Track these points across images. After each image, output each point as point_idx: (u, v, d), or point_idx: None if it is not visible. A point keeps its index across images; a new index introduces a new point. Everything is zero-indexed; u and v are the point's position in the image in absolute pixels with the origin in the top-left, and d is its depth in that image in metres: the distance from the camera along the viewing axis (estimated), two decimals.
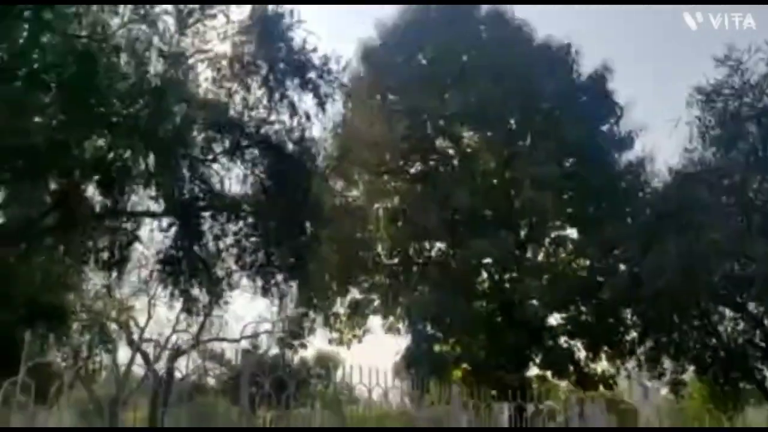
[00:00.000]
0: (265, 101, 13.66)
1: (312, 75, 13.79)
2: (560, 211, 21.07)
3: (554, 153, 20.43)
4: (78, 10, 11.52)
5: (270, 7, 14.02)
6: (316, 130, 14.33)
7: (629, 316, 19.87)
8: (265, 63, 13.65)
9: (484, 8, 22.69)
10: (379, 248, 22.87)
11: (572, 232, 21.80)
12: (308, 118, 13.65)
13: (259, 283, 13.91)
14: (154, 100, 11.19)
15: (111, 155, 12.11)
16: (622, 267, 19.33)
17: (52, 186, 12.56)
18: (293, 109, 13.63)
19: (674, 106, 16.63)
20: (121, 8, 12.68)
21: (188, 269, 12.83)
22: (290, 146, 13.68)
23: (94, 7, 12.05)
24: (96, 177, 12.02)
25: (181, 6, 13.23)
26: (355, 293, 22.79)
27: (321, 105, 13.80)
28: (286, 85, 13.71)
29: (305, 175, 13.44)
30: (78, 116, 11.12)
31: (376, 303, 22.57)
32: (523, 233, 21.38)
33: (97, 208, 12.65)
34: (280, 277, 13.99)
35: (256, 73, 13.77)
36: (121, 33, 12.53)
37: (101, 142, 12.72)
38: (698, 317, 18.26)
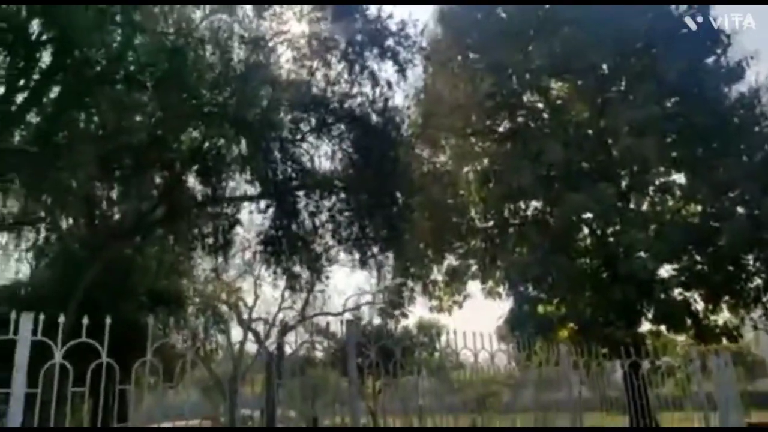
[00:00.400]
0: (346, 75, 13.73)
1: (390, 42, 13.67)
2: (664, 156, 19.63)
3: (653, 94, 18.97)
4: (163, 9, 12.02)
5: None
6: (398, 98, 14.30)
7: (751, 262, 18.42)
8: (343, 36, 13.68)
9: None
10: (473, 212, 22.51)
11: (679, 177, 20.32)
12: (389, 86, 13.59)
13: (357, 255, 14.18)
14: (240, 86, 11.53)
15: (206, 145, 12.67)
16: (740, 210, 17.90)
17: (157, 180, 13.34)
18: (374, 80, 13.61)
19: None
20: None
21: (288, 248, 13.28)
22: (374, 117, 13.70)
23: (179, 3, 12.54)
24: (195, 167, 12.62)
25: None
26: (451, 260, 22.63)
27: (402, 72, 13.69)
28: (365, 56, 13.69)
29: (391, 145, 13.43)
30: (173, 111, 11.69)
31: (474, 268, 22.31)
32: (624, 183, 20.20)
33: (199, 197, 13.32)
34: (375, 249, 14.20)
35: (335, 47, 13.84)
36: (204, 25, 12.98)
37: (196, 133, 13.34)
38: None
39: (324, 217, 13.86)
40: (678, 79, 18.70)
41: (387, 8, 13.62)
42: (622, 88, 20.64)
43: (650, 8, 19.89)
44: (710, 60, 19.97)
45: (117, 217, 14.29)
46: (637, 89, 19.29)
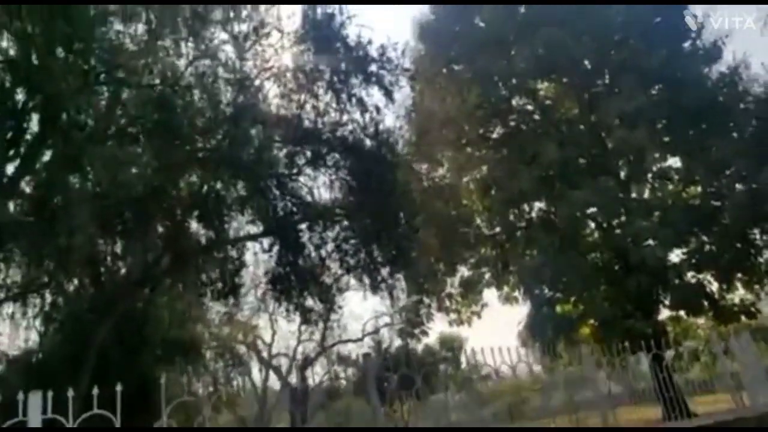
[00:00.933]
0: (334, 104, 13.86)
1: (373, 68, 13.81)
2: (657, 142, 19.69)
3: (638, 84, 19.11)
4: (147, 61, 12.18)
5: (319, 10, 14.16)
6: (389, 120, 14.37)
7: (758, 236, 18.34)
8: (327, 67, 13.83)
9: None
10: (478, 221, 22.51)
11: (675, 162, 20.36)
12: (378, 111, 13.71)
13: (367, 281, 14.14)
14: (231, 128, 11.64)
15: (204, 189, 12.75)
16: (739, 186, 17.87)
17: (160, 229, 13.40)
18: (363, 106, 13.73)
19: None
20: (183, 47, 13.32)
21: (297, 283, 13.27)
22: (367, 142, 13.79)
23: (161, 53, 12.71)
24: (196, 213, 12.68)
25: (237, 33, 13.69)
26: (464, 271, 22.56)
27: (388, 95, 13.79)
28: (351, 84, 13.83)
29: (388, 166, 13.49)
30: (168, 160, 11.77)
31: (488, 276, 22.24)
32: (622, 174, 20.23)
33: (203, 242, 13.36)
34: (385, 272, 14.16)
35: (321, 78, 13.98)
36: (189, 71, 13.14)
37: (194, 178, 13.43)
38: None
39: (330, 247, 13.88)
40: (659, 66, 18.89)
41: (365, 33, 13.79)
42: (607, 81, 20.79)
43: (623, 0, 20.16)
44: (687, 44, 20.19)
45: (123, 271, 14.33)
46: (621, 81, 19.42)
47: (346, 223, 14.00)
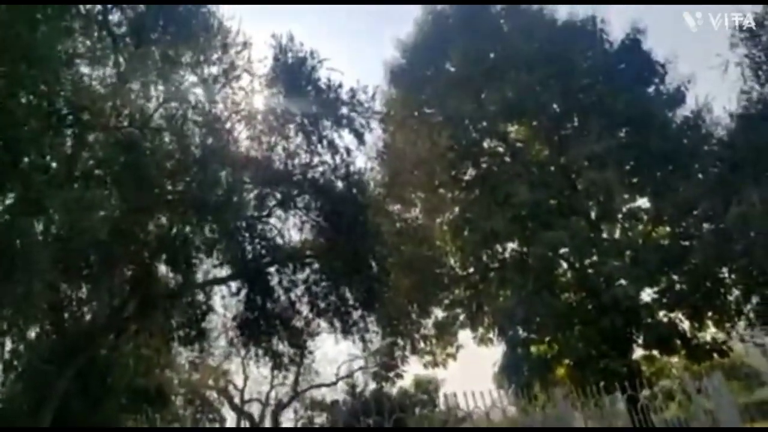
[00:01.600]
0: (305, 146, 13.86)
1: (344, 110, 13.90)
2: (626, 183, 20.15)
3: (605, 127, 19.63)
4: (116, 104, 12.08)
5: (290, 54, 14.30)
6: (360, 162, 14.42)
7: (727, 275, 18.59)
8: (298, 109, 13.88)
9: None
10: (452, 261, 22.51)
11: (644, 202, 20.76)
12: (348, 153, 13.74)
13: (338, 325, 13.90)
14: (200, 171, 11.51)
15: (173, 232, 12.51)
16: (706, 226, 18.20)
17: (127, 273, 13.06)
18: (334, 148, 13.76)
19: (720, 47, 15.82)
20: (153, 90, 13.27)
21: (267, 327, 12.98)
22: (339, 184, 13.76)
23: (132, 96, 12.64)
24: (163, 256, 12.42)
25: (206, 74, 13.72)
26: (438, 312, 22.43)
27: (359, 137, 13.87)
28: (322, 126, 13.88)
29: (359, 208, 13.44)
30: (135, 203, 11.56)
31: (462, 317, 22.12)
32: (593, 214, 20.53)
33: (171, 286, 13.05)
34: (357, 315, 13.95)
35: (292, 120, 14.01)
36: (159, 114, 13.06)
37: (162, 221, 13.18)
38: None
39: (300, 290, 13.66)
40: (625, 110, 19.50)
41: (336, 77, 13.93)
42: (576, 124, 21.28)
43: (588, 47, 20.90)
44: (651, 89, 20.87)
45: (88, 317, 13.86)
46: (589, 124, 19.92)
47: (316, 265, 13.83)
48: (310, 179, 13.56)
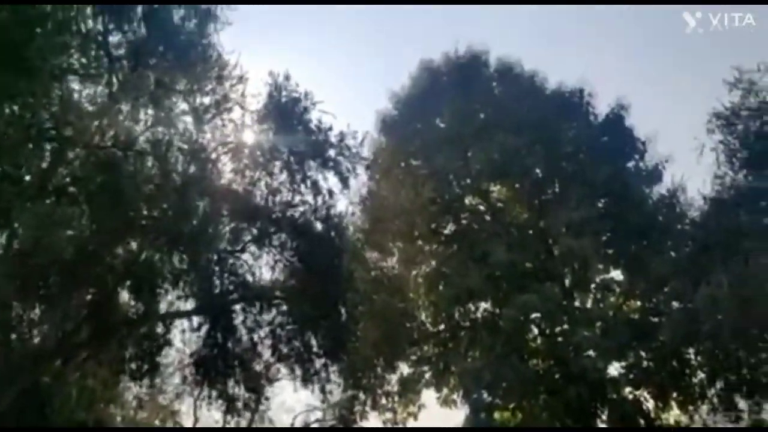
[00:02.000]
0: (288, 185, 13.78)
1: (331, 153, 13.93)
2: (601, 253, 20.25)
3: (585, 196, 19.86)
4: (102, 122, 11.92)
5: (284, 92, 14.37)
6: (342, 205, 14.33)
7: (693, 356, 18.55)
8: (285, 147, 13.86)
9: (493, 64, 22.87)
10: (423, 316, 22.16)
11: (617, 274, 20.84)
12: (331, 195, 13.71)
13: (299, 372, 13.48)
14: (178, 198, 11.30)
15: (141, 258, 12.16)
16: (676, 304, 18.29)
17: (87, 296, 12.59)
18: (317, 189, 13.73)
19: (697, 131, 16.40)
20: (142, 113, 13.17)
21: (224, 368, 12.53)
22: (317, 226, 13.65)
23: (120, 116, 12.50)
24: (128, 282, 12.03)
25: (198, 104, 13.67)
26: (404, 368, 21.90)
27: (344, 180, 13.85)
28: (307, 166, 13.89)
29: (335, 252, 13.30)
30: (107, 225, 11.27)
31: (428, 375, 21.62)
32: (567, 281, 20.53)
33: (130, 314, 12.60)
34: (319, 363, 13.58)
35: (278, 158, 13.97)
36: (145, 137, 12.91)
37: (133, 245, 12.83)
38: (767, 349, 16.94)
39: (264, 332, 13.31)
40: (605, 181, 19.78)
41: (327, 119, 13.99)
42: (557, 190, 21.51)
43: (574, 117, 21.39)
44: (631, 164, 21.33)
45: (37, 339, 13.21)
46: (570, 191, 20.12)
47: (284, 307, 13.52)
48: (289, 218, 13.44)
